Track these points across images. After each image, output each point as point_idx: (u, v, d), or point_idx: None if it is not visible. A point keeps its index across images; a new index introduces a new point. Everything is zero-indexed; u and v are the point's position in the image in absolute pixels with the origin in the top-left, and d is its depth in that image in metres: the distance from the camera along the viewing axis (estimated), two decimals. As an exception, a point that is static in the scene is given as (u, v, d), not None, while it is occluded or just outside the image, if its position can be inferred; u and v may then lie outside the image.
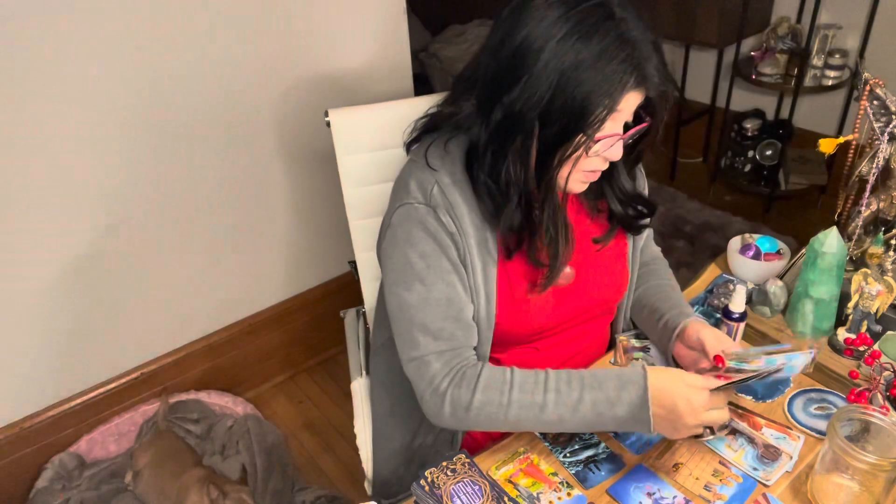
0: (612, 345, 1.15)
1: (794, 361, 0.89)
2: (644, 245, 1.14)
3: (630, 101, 0.83)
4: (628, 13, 0.81)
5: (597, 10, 0.80)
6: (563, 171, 0.88)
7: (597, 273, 1.03)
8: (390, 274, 0.94)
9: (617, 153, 0.88)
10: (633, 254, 1.09)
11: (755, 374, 0.86)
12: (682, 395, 0.84)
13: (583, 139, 0.83)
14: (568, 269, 0.99)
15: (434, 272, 0.91)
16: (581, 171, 0.90)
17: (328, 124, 1.24)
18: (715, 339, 0.96)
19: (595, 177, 0.93)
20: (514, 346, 1.02)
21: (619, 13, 0.81)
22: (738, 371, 0.89)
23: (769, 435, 0.94)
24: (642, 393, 0.85)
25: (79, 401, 1.72)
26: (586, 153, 0.86)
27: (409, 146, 1.01)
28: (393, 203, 0.96)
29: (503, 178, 0.88)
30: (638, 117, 0.89)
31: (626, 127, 0.88)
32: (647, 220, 1.05)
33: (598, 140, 0.84)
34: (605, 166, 0.91)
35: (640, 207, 1.03)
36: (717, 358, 0.93)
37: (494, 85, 0.85)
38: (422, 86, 3.43)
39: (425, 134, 0.99)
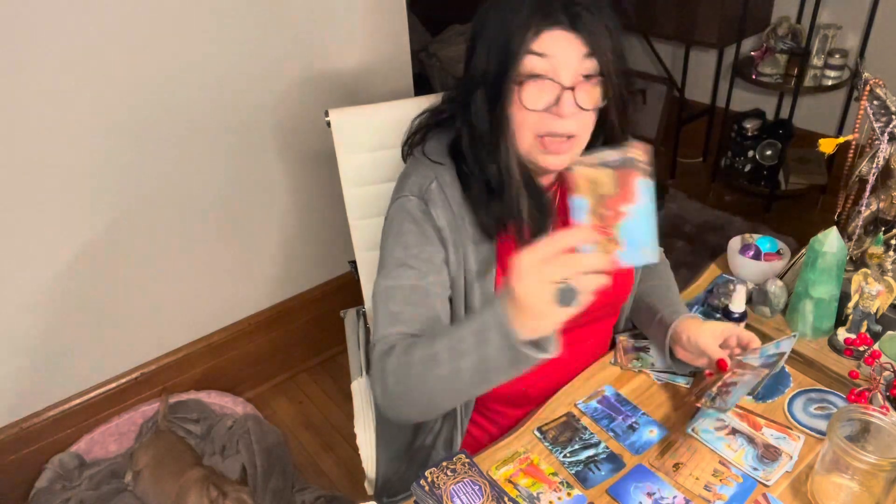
0: (612, 345, 1.15)
1: (784, 346, 0.90)
2: None
3: (549, 43, 0.84)
4: None
5: None
6: (518, 133, 0.88)
7: None
8: (379, 262, 0.96)
9: (567, 109, 0.85)
10: None
11: (752, 383, 0.86)
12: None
13: (511, 86, 0.86)
14: None
15: (412, 261, 0.92)
16: (536, 137, 0.87)
17: (328, 124, 1.24)
18: (711, 339, 0.96)
19: (559, 146, 0.88)
20: None
21: None
22: (741, 368, 0.90)
23: (769, 435, 0.94)
24: (497, 299, 0.76)
25: (79, 401, 1.72)
26: (521, 102, 0.86)
27: (404, 146, 1.02)
28: (392, 198, 0.97)
29: (482, 159, 0.91)
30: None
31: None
32: None
33: (522, 82, 0.85)
34: (560, 127, 0.86)
35: None
36: (721, 363, 0.93)
37: (464, 76, 0.93)
38: (422, 86, 3.42)
39: (420, 134, 1.00)
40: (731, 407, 0.88)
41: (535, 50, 0.84)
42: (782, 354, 0.92)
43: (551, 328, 0.73)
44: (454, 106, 0.96)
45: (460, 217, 0.92)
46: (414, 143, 1.00)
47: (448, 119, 0.98)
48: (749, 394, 0.95)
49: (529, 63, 0.84)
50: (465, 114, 0.92)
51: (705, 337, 0.96)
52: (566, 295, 0.71)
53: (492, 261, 0.94)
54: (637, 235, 0.71)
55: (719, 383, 0.93)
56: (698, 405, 0.93)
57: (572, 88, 0.84)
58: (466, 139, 0.92)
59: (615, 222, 0.70)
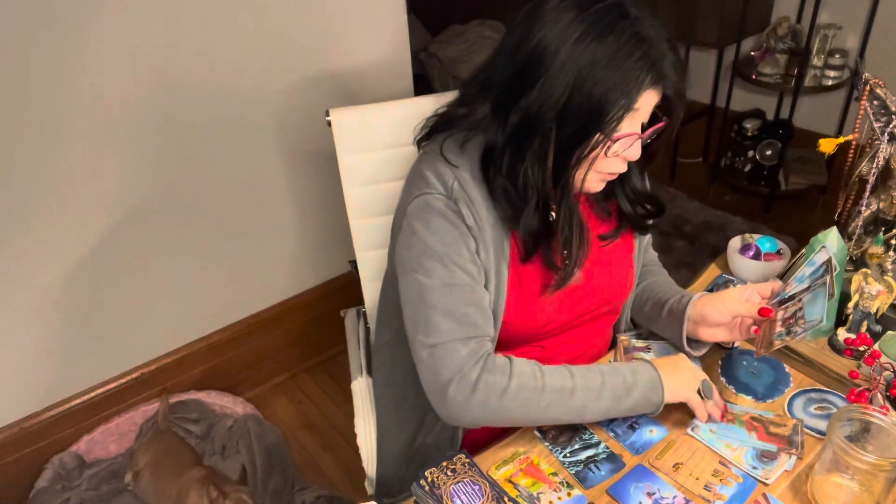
0: (613, 344, 1.16)
1: (819, 258, 0.93)
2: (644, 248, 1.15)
3: (647, 100, 0.84)
4: (642, 12, 0.82)
5: (611, 11, 0.80)
6: (580, 172, 0.88)
7: (603, 273, 1.04)
8: (408, 262, 0.92)
9: (636, 153, 0.88)
10: (637, 254, 1.10)
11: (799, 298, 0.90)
12: (683, 357, 0.98)
13: (601, 138, 0.84)
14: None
15: (456, 259, 0.90)
16: (599, 172, 0.90)
17: (329, 124, 1.24)
18: (737, 300, 0.97)
19: (613, 177, 0.93)
20: (520, 344, 1.02)
21: (633, 12, 0.81)
22: (788, 302, 0.93)
23: (769, 435, 0.94)
24: (654, 371, 0.93)
25: (79, 401, 1.72)
26: (605, 153, 0.86)
27: (419, 143, 1.01)
28: (409, 194, 0.94)
29: (521, 181, 0.88)
30: (653, 117, 0.89)
31: (644, 128, 0.88)
32: (655, 220, 1.06)
33: (617, 139, 0.85)
34: (625, 167, 0.91)
35: (648, 207, 1.04)
36: (763, 311, 0.93)
37: (511, 88, 0.85)
38: (422, 86, 3.43)
39: (436, 132, 0.98)
40: (821, 316, 0.94)
41: (635, 107, 0.83)
42: (827, 261, 0.92)
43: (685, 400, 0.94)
44: (486, 118, 0.91)
45: (480, 214, 0.91)
46: (427, 138, 0.99)
47: (463, 118, 0.94)
48: (831, 296, 0.96)
49: (627, 118, 0.83)
50: (503, 128, 0.87)
51: (731, 301, 0.97)
52: (706, 388, 0.94)
53: (506, 260, 0.94)
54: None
55: (778, 324, 0.94)
56: (774, 349, 0.96)
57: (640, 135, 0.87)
58: (508, 161, 0.88)
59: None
